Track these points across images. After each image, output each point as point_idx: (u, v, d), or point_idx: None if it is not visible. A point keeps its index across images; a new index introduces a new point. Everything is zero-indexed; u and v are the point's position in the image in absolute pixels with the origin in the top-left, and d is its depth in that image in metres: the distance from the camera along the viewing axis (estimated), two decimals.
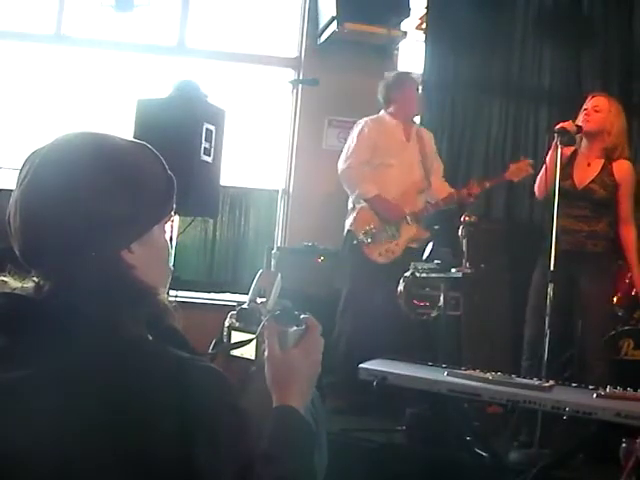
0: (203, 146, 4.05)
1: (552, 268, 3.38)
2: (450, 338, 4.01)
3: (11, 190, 1.11)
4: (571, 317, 3.77)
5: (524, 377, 3.16)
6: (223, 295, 5.34)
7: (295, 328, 1.26)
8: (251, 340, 1.26)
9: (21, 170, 1.10)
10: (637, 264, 3.74)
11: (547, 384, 2.94)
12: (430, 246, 4.10)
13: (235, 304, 1.37)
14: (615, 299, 3.95)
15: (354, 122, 4.50)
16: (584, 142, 3.80)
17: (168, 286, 1.26)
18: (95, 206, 1.06)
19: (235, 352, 1.28)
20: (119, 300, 1.08)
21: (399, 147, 4.40)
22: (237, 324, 1.30)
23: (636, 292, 3.94)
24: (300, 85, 5.22)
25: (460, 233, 3.84)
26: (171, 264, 2.00)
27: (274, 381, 1.22)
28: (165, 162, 1.18)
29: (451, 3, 5.05)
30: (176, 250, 4.39)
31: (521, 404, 2.83)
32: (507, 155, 5.18)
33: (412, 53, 5.54)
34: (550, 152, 3.64)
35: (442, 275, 3.88)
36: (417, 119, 4.72)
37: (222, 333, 1.32)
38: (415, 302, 4.04)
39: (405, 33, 5.12)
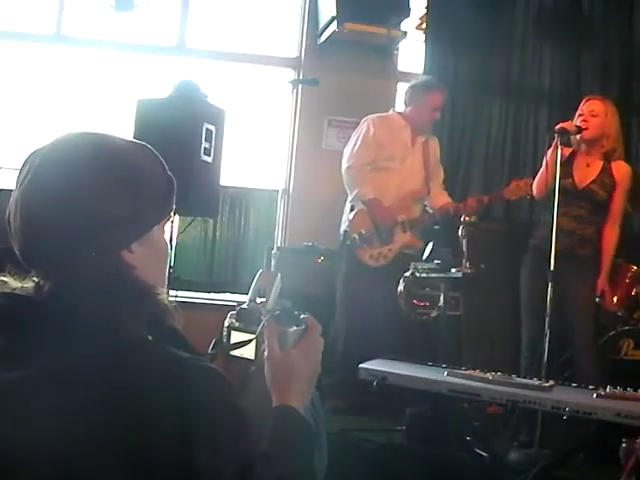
0: (203, 146, 4.05)
1: (552, 268, 3.39)
2: (450, 338, 4.01)
3: (11, 190, 1.10)
4: (565, 317, 3.77)
5: (524, 377, 3.17)
6: (223, 295, 5.34)
7: (295, 328, 1.26)
8: (251, 340, 1.26)
9: (21, 170, 1.10)
10: (607, 267, 3.76)
11: (547, 384, 2.94)
12: (430, 246, 4.10)
13: (235, 304, 1.37)
14: (615, 299, 3.95)
15: (354, 122, 4.49)
16: (583, 145, 3.81)
17: (168, 286, 1.26)
18: (95, 206, 1.06)
19: (235, 352, 1.28)
20: (119, 300, 1.08)
21: (403, 150, 4.38)
22: (237, 324, 1.30)
23: (636, 292, 3.93)
24: (300, 85, 5.22)
25: (460, 233, 3.84)
26: (171, 264, 2.01)
27: (274, 381, 1.22)
28: (165, 162, 1.18)
29: (451, 3, 5.05)
30: (176, 250, 4.38)
31: (521, 404, 2.83)
32: (507, 155, 5.18)
33: (412, 53, 5.53)
34: (550, 152, 3.64)
35: (442, 275, 3.88)
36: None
37: (222, 333, 1.32)
38: (415, 302, 4.04)
39: (405, 33, 5.11)
